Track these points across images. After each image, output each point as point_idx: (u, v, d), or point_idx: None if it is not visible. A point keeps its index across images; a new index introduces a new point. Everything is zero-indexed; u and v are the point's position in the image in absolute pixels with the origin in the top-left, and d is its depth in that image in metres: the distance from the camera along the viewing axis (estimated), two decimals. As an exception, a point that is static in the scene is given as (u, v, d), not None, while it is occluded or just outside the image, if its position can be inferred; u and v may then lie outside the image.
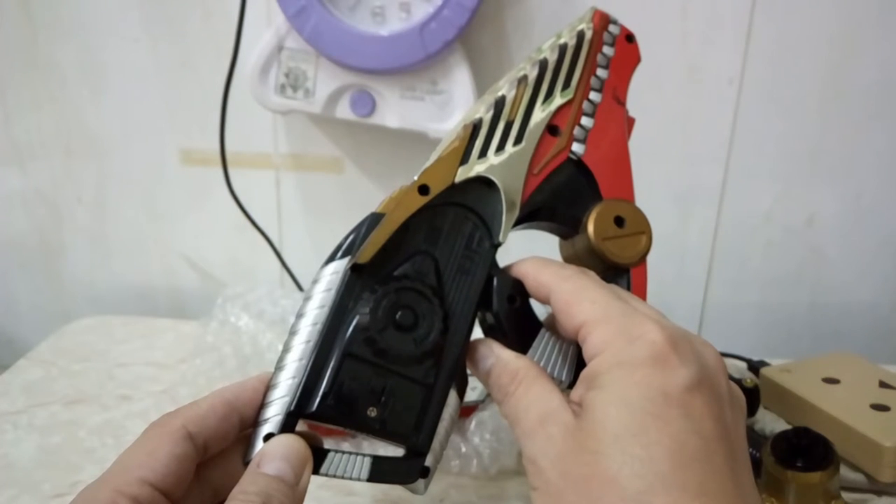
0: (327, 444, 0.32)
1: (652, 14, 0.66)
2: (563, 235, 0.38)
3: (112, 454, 0.51)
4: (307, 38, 0.59)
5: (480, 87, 0.62)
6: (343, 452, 0.31)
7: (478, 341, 0.34)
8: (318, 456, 0.31)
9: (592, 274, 0.33)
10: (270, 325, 0.63)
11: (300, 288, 0.75)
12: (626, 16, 0.40)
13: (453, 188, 0.34)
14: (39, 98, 0.73)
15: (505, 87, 0.36)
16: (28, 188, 0.77)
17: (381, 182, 0.74)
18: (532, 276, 0.34)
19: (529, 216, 0.36)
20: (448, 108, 0.62)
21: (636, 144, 0.39)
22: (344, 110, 0.64)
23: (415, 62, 0.59)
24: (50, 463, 0.52)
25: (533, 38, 0.67)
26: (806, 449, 0.43)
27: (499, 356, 0.33)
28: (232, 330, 0.63)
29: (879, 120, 0.68)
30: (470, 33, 0.65)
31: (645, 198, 0.38)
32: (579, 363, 0.32)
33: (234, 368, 0.59)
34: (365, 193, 0.74)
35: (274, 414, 0.31)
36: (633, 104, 0.39)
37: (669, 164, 0.70)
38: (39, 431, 0.55)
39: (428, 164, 0.35)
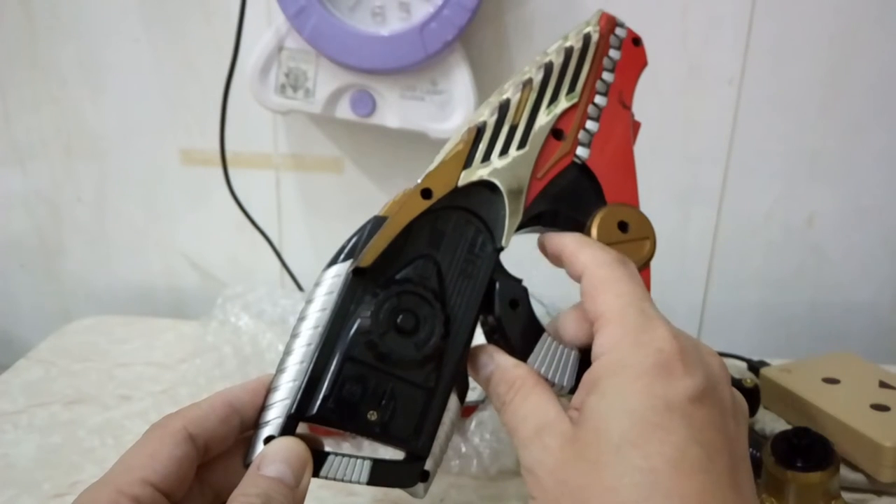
0: (327, 445, 0.32)
1: (652, 14, 0.66)
2: (567, 240, 0.38)
3: (112, 454, 0.52)
4: (307, 38, 0.59)
5: (480, 87, 0.62)
6: (343, 455, 0.31)
7: (479, 348, 0.34)
8: (319, 458, 0.31)
9: (631, 265, 0.33)
10: (270, 325, 0.63)
11: (300, 288, 0.75)
12: (627, 16, 0.40)
13: (456, 192, 0.34)
14: (39, 98, 0.73)
15: (510, 91, 0.36)
16: (28, 188, 0.77)
17: (381, 182, 0.74)
18: (570, 252, 0.33)
19: (533, 220, 0.36)
20: (448, 108, 0.62)
21: (636, 144, 0.39)
22: (344, 110, 0.64)
23: (415, 62, 0.59)
24: (50, 463, 0.52)
25: (533, 38, 0.67)
26: (806, 449, 0.43)
27: (498, 364, 0.33)
28: (232, 330, 0.63)
29: (879, 120, 0.68)
30: (470, 33, 0.65)
31: (645, 198, 0.38)
32: (581, 369, 0.32)
33: (234, 368, 0.59)
34: (365, 193, 0.74)
35: (274, 416, 0.31)
36: (634, 103, 0.39)
37: (669, 164, 0.71)
38: (39, 431, 0.55)
39: (431, 167, 0.35)
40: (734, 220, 0.73)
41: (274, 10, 0.61)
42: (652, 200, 0.39)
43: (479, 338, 0.35)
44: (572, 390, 0.33)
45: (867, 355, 0.60)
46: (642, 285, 0.32)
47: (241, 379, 0.32)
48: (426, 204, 0.33)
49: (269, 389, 0.32)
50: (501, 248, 0.35)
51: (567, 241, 0.34)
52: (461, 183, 0.34)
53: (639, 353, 0.28)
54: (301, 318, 0.32)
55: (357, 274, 0.32)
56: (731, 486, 0.27)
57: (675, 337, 0.29)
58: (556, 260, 0.35)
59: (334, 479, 0.31)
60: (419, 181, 0.34)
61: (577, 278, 0.33)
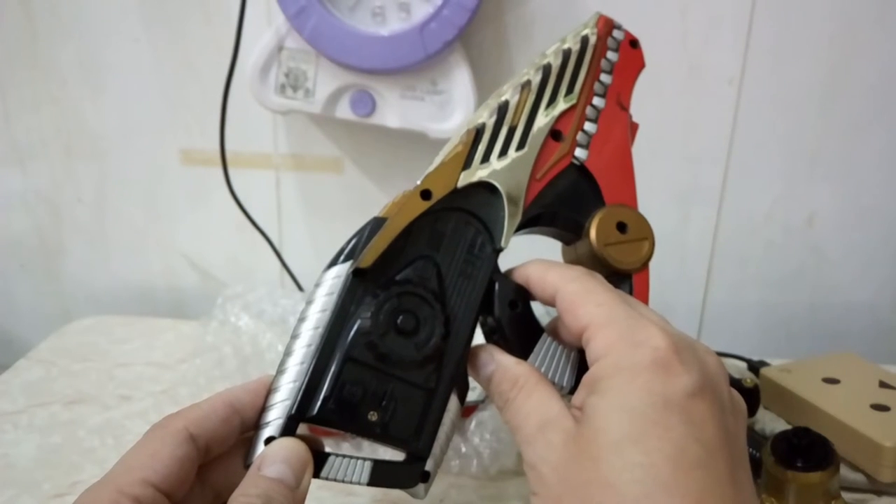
0: (327, 445, 0.32)
1: (652, 14, 0.66)
2: (566, 241, 0.38)
3: (112, 454, 0.52)
4: (307, 38, 0.59)
5: (480, 87, 0.62)
6: (343, 456, 0.31)
7: (479, 347, 0.34)
8: (319, 459, 0.31)
9: (599, 276, 0.33)
10: (270, 326, 0.63)
11: (300, 288, 0.75)
12: (627, 16, 0.40)
13: (456, 193, 0.34)
14: (39, 98, 0.73)
15: (508, 93, 0.36)
16: (28, 188, 0.77)
17: (381, 182, 0.74)
18: (537, 277, 0.34)
19: (532, 221, 0.36)
20: (448, 107, 0.62)
21: (636, 144, 0.39)
22: (344, 110, 0.64)
23: (415, 62, 0.59)
24: (50, 463, 0.52)
25: (533, 38, 0.67)
26: (806, 449, 0.43)
27: (499, 362, 0.33)
28: (232, 330, 0.63)
29: (879, 120, 0.68)
30: (470, 33, 0.65)
31: (645, 198, 0.38)
32: (581, 368, 0.32)
33: (235, 368, 0.59)
34: (365, 194, 0.74)
35: (275, 417, 0.31)
36: (634, 104, 0.39)
37: (669, 164, 0.71)
38: (39, 431, 0.55)
39: (430, 168, 0.35)
40: (734, 220, 0.73)
41: (274, 10, 0.61)
42: (652, 201, 0.39)
43: (478, 338, 0.35)
44: (572, 390, 0.33)
45: (867, 355, 0.60)
46: (617, 291, 0.32)
47: (242, 379, 0.32)
48: (426, 205, 0.33)
49: (270, 390, 0.32)
50: (501, 249, 0.35)
51: (531, 269, 0.34)
52: (460, 184, 0.34)
53: (635, 353, 0.28)
54: (301, 319, 0.32)
55: (357, 275, 0.32)
56: (730, 483, 0.27)
57: (669, 335, 0.29)
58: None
59: (335, 480, 0.31)
60: (419, 182, 0.34)
61: (550, 300, 0.33)
